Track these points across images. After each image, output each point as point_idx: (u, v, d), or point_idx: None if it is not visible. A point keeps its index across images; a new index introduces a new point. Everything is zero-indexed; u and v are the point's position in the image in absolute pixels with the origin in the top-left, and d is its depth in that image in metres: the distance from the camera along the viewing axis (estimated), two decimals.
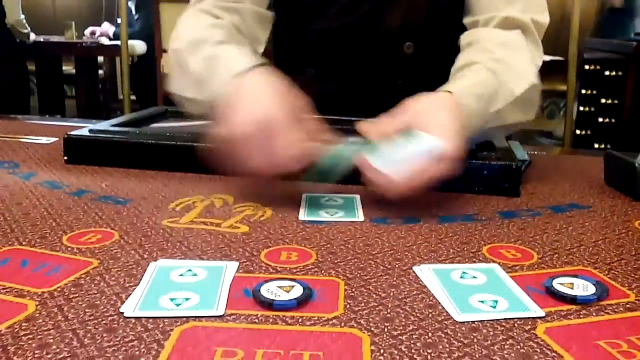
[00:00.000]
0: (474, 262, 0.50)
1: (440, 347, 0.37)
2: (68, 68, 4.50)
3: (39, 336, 0.37)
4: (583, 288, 0.44)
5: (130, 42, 3.61)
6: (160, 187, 0.70)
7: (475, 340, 0.38)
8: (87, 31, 4.37)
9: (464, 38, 0.86)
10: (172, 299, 0.41)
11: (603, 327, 0.40)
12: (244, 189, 0.68)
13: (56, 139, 0.93)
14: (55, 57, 4.34)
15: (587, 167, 0.85)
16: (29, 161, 0.81)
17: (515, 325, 0.40)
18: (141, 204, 0.63)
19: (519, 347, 0.37)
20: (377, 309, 0.41)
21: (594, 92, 3.02)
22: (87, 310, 0.40)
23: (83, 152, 0.79)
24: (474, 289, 0.45)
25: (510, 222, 0.60)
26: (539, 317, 0.41)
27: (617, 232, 0.58)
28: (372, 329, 0.39)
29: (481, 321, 0.40)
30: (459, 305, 0.42)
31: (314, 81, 0.97)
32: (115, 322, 0.39)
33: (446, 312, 0.41)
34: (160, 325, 0.38)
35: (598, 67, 3.00)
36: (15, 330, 0.37)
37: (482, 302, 0.42)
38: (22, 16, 3.52)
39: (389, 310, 0.41)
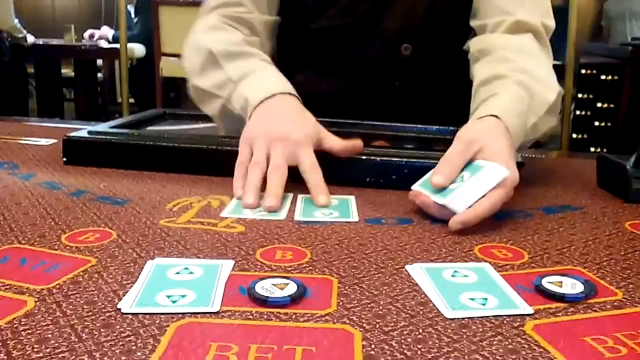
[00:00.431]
0: (466, 261, 0.51)
1: (430, 342, 0.38)
2: (67, 71, 4.51)
3: (38, 331, 0.38)
4: (572, 286, 0.45)
5: (130, 45, 3.63)
6: (157, 187, 0.71)
7: (464, 336, 0.38)
8: (87, 34, 4.38)
9: (474, 45, 0.86)
10: (168, 296, 0.42)
11: (590, 324, 0.41)
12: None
13: (55, 140, 0.94)
14: (54, 60, 4.35)
15: (580, 169, 0.86)
16: (28, 162, 0.81)
17: (504, 322, 0.41)
18: (139, 204, 0.64)
19: (507, 342, 0.38)
20: (369, 306, 0.42)
21: (591, 96, 3.03)
22: (85, 306, 0.41)
23: (82, 153, 0.80)
24: (465, 287, 0.46)
25: (502, 223, 0.61)
26: (528, 315, 0.42)
27: (607, 233, 0.59)
28: (364, 325, 0.40)
29: (471, 318, 0.41)
30: (450, 303, 0.43)
31: (313, 81, 0.98)
32: (113, 318, 0.39)
33: (437, 309, 0.42)
34: (157, 321, 0.39)
35: (594, 72, 3.02)
36: (15, 326, 0.38)
37: (472, 299, 0.43)
38: (16, 20, 3.54)
39: (380, 308, 0.42)
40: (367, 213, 0.63)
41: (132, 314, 0.40)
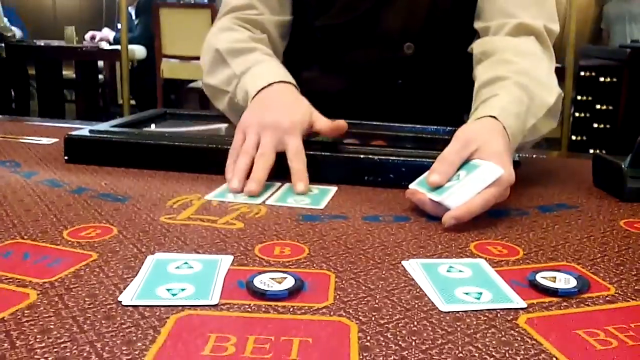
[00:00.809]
0: (461, 257, 0.52)
1: (425, 334, 0.38)
2: (68, 72, 4.52)
3: (41, 322, 0.38)
4: (565, 281, 0.46)
5: (130, 46, 3.64)
6: (158, 185, 0.71)
7: (458, 329, 0.39)
8: (88, 36, 4.40)
9: (477, 47, 0.86)
10: (168, 289, 0.43)
11: (582, 318, 0.41)
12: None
13: (57, 139, 0.95)
14: (55, 61, 4.37)
15: (577, 169, 0.87)
16: (30, 161, 0.82)
17: (498, 315, 0.41)
18: (139, 201, 0.65)
19: (500, 335, 0.39)
20: (365, 299, 0.43)
21: (589, 98, 3.04)
22: (86, 299, 0.42)
23: (83, 152, 0.81)
24: (460, 281, 0.46)
25: (498, 220, 0.62)
26: (521, 308, 0.42)
27: (602, 231, 0.60)
28: (360, 317, 0.40)
29: (465, 311, 0.42)
30: (444, 297, 0.43)
31: (318, 78, 1.00)
32: (114, 310, 0.40)
33: (432, 302, 0.43)
34: (157, 313, 0.40)
35: (593, 74, 3.03)
36: (18, 317, 0.39)
37: (466, 293, 0.44)
38: (5, 19, 3.59)
39: (377, 301, 0.43)
40: (364, 210, 0.64)
41: (133, 306, 0.41)
